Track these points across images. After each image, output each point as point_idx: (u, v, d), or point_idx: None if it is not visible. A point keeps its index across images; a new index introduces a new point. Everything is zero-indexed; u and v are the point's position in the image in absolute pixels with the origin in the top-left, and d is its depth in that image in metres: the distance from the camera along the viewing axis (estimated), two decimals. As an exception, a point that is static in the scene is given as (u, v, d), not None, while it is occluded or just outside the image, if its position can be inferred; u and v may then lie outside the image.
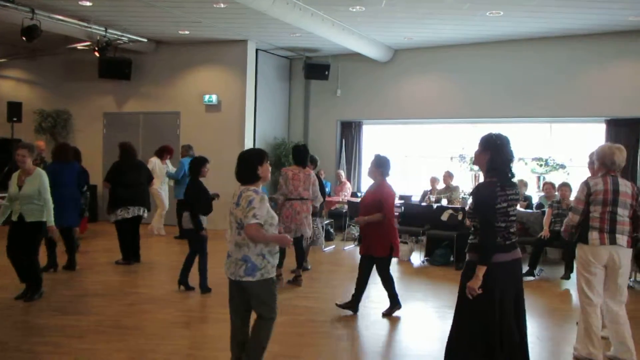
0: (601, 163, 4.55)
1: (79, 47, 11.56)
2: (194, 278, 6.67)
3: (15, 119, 12.08)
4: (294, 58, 12.92)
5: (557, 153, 10.56)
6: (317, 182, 7.30)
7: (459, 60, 11.30)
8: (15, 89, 13.48)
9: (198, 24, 10.14)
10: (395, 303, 5.94)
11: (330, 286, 7.23)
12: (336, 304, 5.97)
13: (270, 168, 3.97)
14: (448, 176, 10.22)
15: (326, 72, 12.02)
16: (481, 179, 3.83)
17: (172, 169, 10.56)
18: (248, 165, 3.84)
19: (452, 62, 11.38)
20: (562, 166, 10.28)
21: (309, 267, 7.94)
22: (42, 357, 4.54)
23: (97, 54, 10.82)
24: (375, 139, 12.67)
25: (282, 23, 9.17)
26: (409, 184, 11.68)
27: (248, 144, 11.39)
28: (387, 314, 5.90)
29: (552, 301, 6.84)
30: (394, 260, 8.99)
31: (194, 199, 6.50)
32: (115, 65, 11.45)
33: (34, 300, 6.02)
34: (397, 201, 10.71)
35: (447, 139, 11.74)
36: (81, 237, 9.23)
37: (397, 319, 5.86)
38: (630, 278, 6.77)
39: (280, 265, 6.90)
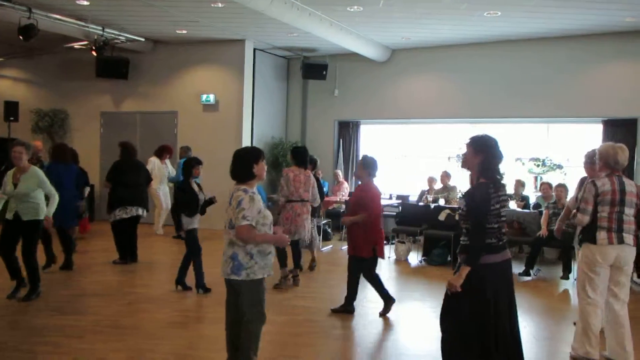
0: (604, 163, 4.53)
1: (76, 47, 11.54)
2: (191, 278, 6.67)
3: (12, 118, 12.07)
4: (292, 58, 12.92)
5: (554, 153, 10.59)
6: (315, 184, 7.32)
7: (457, 60, 11.31)
8: (12, 88, 13.44)
9: (196, 23, 10.13)
10: (388, 299, 5.93)
11: (328, 286, 7.24)
12: (332, 310, 5.97)
13: (266, 167, 3.95)
14: (445, 176, 10.25)
15: (324, 72, 12.02)
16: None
17: (171, 169, 10.56)
18: (243, 163, 3.81)
19: (449, 62, 11.39)
20: (560, 166, 10.30)
21: (302, 268, 7.94)
22: (41, 357, 4.54)
23: (94, 53, 10.81)
24: (373, 139, 12.68)
25: (279, 23, 9.17)
26: (406, 183, 11.69)
27: (245, 144, 11.38)
28: (383, 314, 5.91)
29: (549, 301, 6.87)
30: (391, 259, 9.11)
31: (179, 198, 6.54)
32: (113, 64, 11.43)
33: (31, 300, 6.01)
34: (395, 201, 10.78)
35: (444, 138, 11.75)
36: (79, 237, 9.21)
37: (395, 318, 5.88)
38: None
39: (284, 265, 6.92)
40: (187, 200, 6.46)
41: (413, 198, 10.84)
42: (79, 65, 12.38)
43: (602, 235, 4.43)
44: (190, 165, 6.60)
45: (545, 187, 8.94)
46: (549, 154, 10.54)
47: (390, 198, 11.30)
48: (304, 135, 13.03)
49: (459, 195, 10.01)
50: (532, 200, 9.58)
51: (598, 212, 4.46)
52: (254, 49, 11.76)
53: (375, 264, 5.92)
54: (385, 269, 8.66)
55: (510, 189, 9.85)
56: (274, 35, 10.98)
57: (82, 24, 10.01)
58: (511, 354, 3.60)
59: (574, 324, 4.83)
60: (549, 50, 10.50)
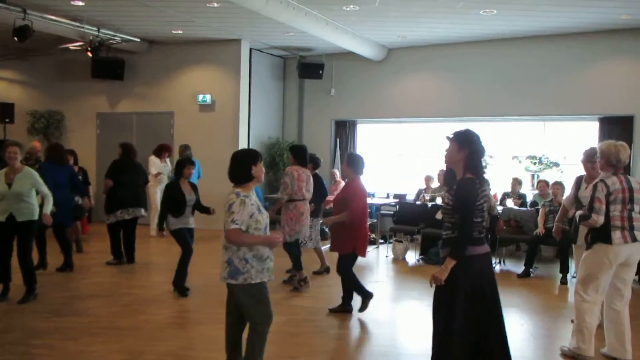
0: (606, 161, 4.48)
1: (71, 47, 11.50)
2: (189, 279, 6.65)
3: (7, 120, 12.04)
4: (288, 57, 12.90)
5: (551, 151, 10.60)
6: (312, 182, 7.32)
7: (453, 59, 11.31)
8: (7, 90, 13.40)
9: (191, 23, 10.11)
10: (365, 298, 5.88)
11: (326, 285, 7.23)
12: (329, 309, 5.96)
13: (263, 169, 3.93)
14: (442, 175, 10.24)
15: (320, 71, 12.01)
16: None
17: (171, 169, 10.54)
18: (241, 165, 3.78)
19: (446, 60, 11.39)
20: (556, 164, 10.31)
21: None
22: (38, 359, 4.53)
23: (89, 54, 10.76)
24: (370, 138, 12.67)
25: (275, 22, 9.16)
26: (403, 182, 11.69)
27: (242, 144, 11.37)
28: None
29: (546, 298, 6.87)
30: (389, 258, 9.11)
31: (166, 197, 6.52)
32: (108, 65, 11.39)
33: (28, 302, 5.99)
34: (392, 200, 10.78)
35: (441, 137, 11.72)
36: (82, 238, 9.19)
37: (393, 317, 5.87)
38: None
39: (299, 267, 6.89)
40: (173, 199, 6.44)
41: (410, 197, 10.84)
42: (74, 66, 12.35)
43: (617, 235, 4.37)
44: (181, 166, 6.58)
45: (542, 184, 8.94)
46: (546, 152, 10.55)
47: (388, 197, 11.30)
48: (301, 134, 13.02)
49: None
50: (529, 198, 9.59)
51: (610, 211, 4.38)
52: (250, 49, 11.74)
53: (353, 261, 5.89)
54: (382, 268, 8.67)
55: (507, 187, 9.88)
56: (270, 35, 10.96)
57: (78, 24, 9.98)
58: (498, 349, 3.61)
59: (572, 321, 4.83)
60: (545, 48, 10.51)
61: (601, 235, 4.41)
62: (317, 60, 12.07)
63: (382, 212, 10.55)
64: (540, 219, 8.04)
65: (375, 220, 10.35)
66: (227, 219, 3.61)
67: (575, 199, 5.37)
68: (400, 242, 9.21)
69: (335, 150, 12.65)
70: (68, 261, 7.54)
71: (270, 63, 12.76)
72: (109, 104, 12.57)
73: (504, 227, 8.40)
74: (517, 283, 7.57)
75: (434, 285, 3.69)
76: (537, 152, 10.59)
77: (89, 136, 12.62)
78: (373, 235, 10.33)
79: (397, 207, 10.27)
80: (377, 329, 5.57)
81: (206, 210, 6.67)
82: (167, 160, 10.54)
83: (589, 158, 5.19)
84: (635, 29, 9.67)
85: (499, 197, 9.67)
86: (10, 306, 5.91)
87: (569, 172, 9.76)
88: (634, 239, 4.40)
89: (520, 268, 8.05)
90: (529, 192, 9.99)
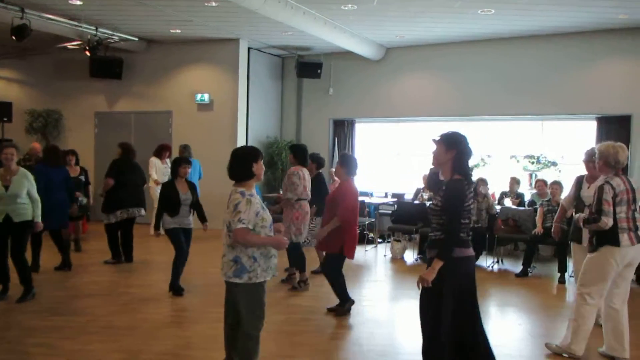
0: (604, 162, 4.45)
1: (69, 47, 11.49)
2: (187, 278, 6.65)
3: (5, 119, 12.01)
4: (286, 56, 12.90)
5: (549, 150, 10.62)
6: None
7: (451, 58, 11.32)
8: (5, 89, 13.37)
9: (189, 22, 10.11)
10: (344, 300, 5.89)
11: (325, 284, 7.19)
12: (327, 309, 5.97)
13: (264, 167, 3.91)
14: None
15: (318, 71, 12.02)
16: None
17: None
18: (242, 163, 3.73)
19: (444, 60, 11.40)
20: (554, 163, 10.33)
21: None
22: (35, 358, 4.52)
23: (87, 53, 10.75)
24: (368, 137, 12.68)
25: (274, 21, 9.16)
26: (401, 182, 11.70)
27: (240, 143, 11.36)
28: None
29: (544, 298, 6.88)
30: (387, 258, 9.11)
31: (161, 197, 6.53)
32: (106, 64, 11.39)
33: (26, 301, 5.98)
34: (390, 200, 10.79)
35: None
36: (81, 237, 9.18)
37: (391, 317, 5.88)
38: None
39: (303, 269, 6.88)
40: (167, 198, 6.44)
41: (408, 196, 10.84)
42: (72, 65, 12.33)
43: (625, 237, 4.34)
44: (177, 164, 6.57)
45: (540, 184, 8.96)
46: (544, 151, 10.57)
47: (386, 196, 11.31)
48: (299, 134, 13.02)
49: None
50: (527, 198, 9.61)
51: (616, 213, 4.34)
52: (248, 48, 11.74)
53: (340, 262, 5.87)
54: (381, 267, 8.68)
55: (505, 187, 9.90)
56: (268, 34, 10.96)
57: (75, 23, 9.97)
58: (481, 350, 3.64)
59: (569, 320, 4.83)
60: (543, 48, 10.53)
61: (609, 238, 4.36)
62: (315, 60, 12.07)
63: (380, 211, 10.56)
64: (538, 219, 8.05)
65: (374, 220, 10.36)
66: (234, 219, 3.57)
67: (576, 199, 5.37)
68: (399, 241, 9.22)
69: (333, 150, 12.65)
70: (66, 260, 7.53)
71: (268, 62, 12.76)
72: (107, 103, 12.55)
73: (502, 227, 8.42)
74: (515, 282, 7.58)
75: (421, 287, 3.67)
76: (535, 152, 10.61)
77: (87, 135, 12.61)
78: (371, 235, 10.35)
79: (395, 206, 10.27)
80: (375, 328, 5.57)
81: (202, 218, 6.68)
82: (168, 160, 10.53)
83: (591, 158, 5.18)
84: (633, 28, 9.69)
85: (497, 196, 9.69)
86: (9, 305, 5.91)
87: (566, 172, 9.79)
88: (639, 240, 4.40)
89: (518, 267, 8.06)
90: (527, 192, 10.01)
